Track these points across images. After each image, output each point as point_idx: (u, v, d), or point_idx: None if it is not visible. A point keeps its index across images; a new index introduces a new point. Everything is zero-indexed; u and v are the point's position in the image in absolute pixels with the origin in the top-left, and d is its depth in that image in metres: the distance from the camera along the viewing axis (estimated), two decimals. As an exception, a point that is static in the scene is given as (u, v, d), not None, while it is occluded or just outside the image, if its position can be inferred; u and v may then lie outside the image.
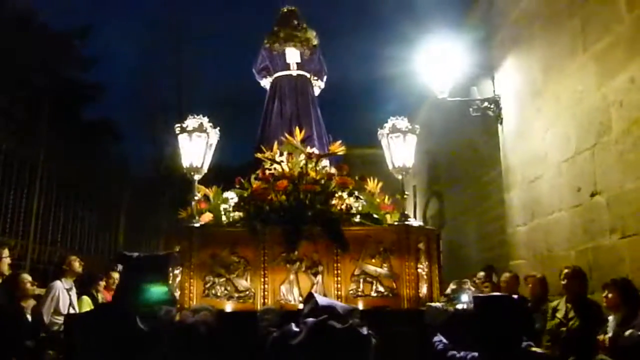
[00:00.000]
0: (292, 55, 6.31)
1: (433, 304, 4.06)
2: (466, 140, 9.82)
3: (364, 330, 3.42)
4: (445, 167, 11.33)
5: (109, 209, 10.45)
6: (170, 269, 3.60)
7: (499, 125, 7.48)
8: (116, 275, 6.75)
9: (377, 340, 3.40)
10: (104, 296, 6.42)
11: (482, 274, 6.47)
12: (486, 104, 7.46)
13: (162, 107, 18.76)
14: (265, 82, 6.50)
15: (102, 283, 6.52)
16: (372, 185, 5.35)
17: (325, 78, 6.76)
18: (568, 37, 5.82)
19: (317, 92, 6.60)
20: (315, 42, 6.54)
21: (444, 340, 3.71)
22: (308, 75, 6.35)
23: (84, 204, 9.32)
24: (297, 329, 3.42)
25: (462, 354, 3.45)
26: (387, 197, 5.50)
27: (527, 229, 6.86)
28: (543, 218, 6.44)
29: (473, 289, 5.73)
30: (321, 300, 3.60)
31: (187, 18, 22.70)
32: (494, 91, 7.58)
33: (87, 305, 5.91)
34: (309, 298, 3.72)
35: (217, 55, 29.24)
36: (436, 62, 7.02)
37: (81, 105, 16.12)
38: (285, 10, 6.74)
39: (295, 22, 6.52)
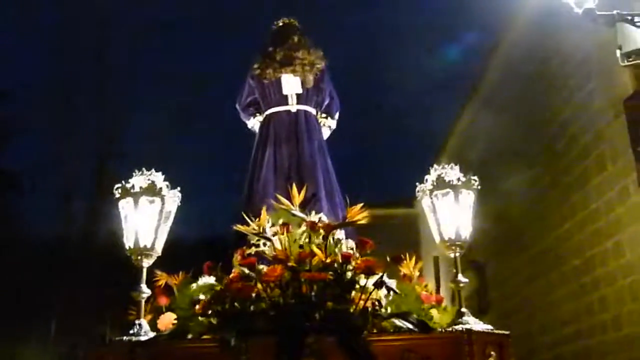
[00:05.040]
0: (290, 84, 5.33)
1: None
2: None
3: None
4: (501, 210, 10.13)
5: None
6: None
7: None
8: None
9: None
10: None
11: None
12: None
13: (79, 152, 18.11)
14: (254, 123, 5.49)
15: None
16: (409, 267, 4.63)
17: (337, 115, 6.03)
18: None
19: (326, 134, 5.55)
20: (321, 64, 5.50)
21: None
22: (313, 111, 5.40)
23: None
24: None
25: None
26: (427, 284, 4.77)
27: None
28: None
29: None
30: None
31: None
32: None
33: None
34: None
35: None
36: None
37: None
38: (281, 23, 5.73)
39: (295, 39, 5.57)
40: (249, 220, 4.11)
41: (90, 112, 19.45)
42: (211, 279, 4.25)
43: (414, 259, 4.35)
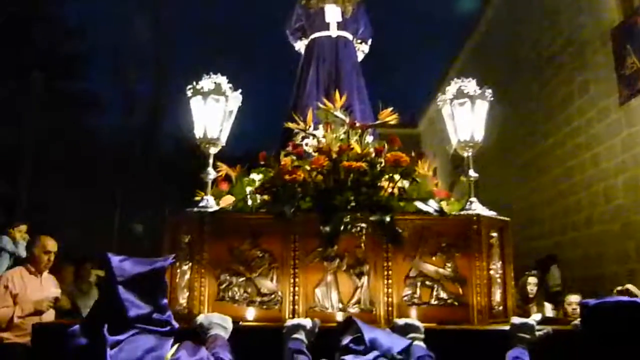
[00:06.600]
0: (332, 13, 5.19)
1: (518, 320, 3.02)
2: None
3: None
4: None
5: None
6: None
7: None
8: None
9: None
10: None
11: None
12: None
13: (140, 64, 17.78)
14: (300, 45, 5.41)
15: None
16: (423, 166, 4.44)
17: (370, 41, 5.78)
18: None
19: (360, 57, 5.44)
20: (358, -3, 5.57)
21: None
22: (350, 37, 5.26)
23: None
24: None
25: None
26: (438, 182, 4.60)
27: None
28: None
29: None
30: (367, 330, 2.48)
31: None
32: None
33: None
34: (348, 324, 2.60)
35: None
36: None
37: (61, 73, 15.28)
38: (324, -38, 5.77)
39: None
40: (298, 120, 3.86)
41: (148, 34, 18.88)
42: (258, 176, 4.16)
43: (429, 161, 4.03)
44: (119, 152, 13.94)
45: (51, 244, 4.70)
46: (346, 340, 2.47)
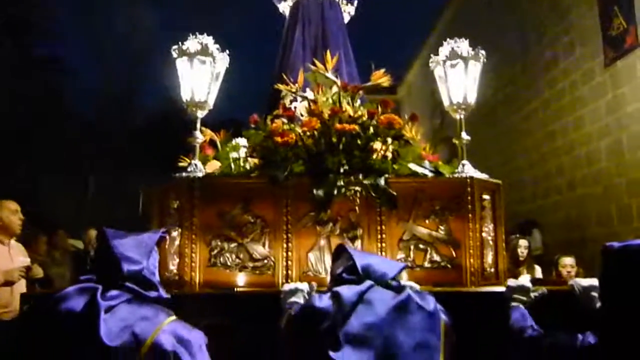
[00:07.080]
0: None
1: (514, 282, 3.01)
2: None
3: (429, 304, 2.28)
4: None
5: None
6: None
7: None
8: None
9: (449, 320, 2.38)
10: None
11: None
12: None
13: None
14: (284, 7, 5.19)
15: None
16: (411, 129, 4.38)
17: (356, 2, 5.64)
18: None
19: (346, 19, 5.33)
20: (343, -45, 5.38)
21: (535, 326, 2.69)
22: None
23: None
24: (324, 305, 2.23)
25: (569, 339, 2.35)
26: (426, 146, 4.56)
27: None
28: None
29: None
30: (359, 256, 2.40)
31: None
32: None
33: None
34: (339, 253, 2.51)
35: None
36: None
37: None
38: None
39: None
40: (287, 81, 3.73)
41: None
42: (244, 140, 4.00)
43: (416, 125, 3.96)
44: (91, 121, 13.63)
45: (14, 204, 4.46)
46: (339, 269, 2.41)
